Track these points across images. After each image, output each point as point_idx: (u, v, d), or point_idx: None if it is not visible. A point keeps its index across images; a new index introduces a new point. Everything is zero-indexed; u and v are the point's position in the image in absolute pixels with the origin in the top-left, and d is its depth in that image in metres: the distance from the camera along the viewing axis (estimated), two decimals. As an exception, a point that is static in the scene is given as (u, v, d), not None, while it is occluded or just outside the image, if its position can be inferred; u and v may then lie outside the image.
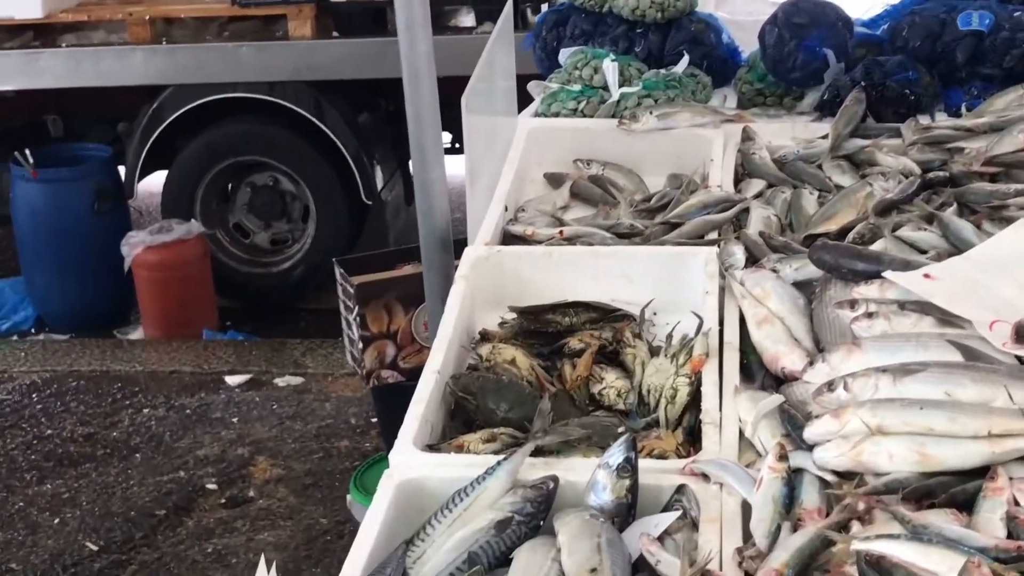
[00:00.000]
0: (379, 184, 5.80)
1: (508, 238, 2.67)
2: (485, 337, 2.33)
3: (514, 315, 2.35)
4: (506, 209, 2.73)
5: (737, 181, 2.86)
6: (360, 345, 3.81)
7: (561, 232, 2.63)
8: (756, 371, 2.09)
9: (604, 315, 2.33)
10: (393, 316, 3.82)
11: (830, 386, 1.86)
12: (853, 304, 2.07)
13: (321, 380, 5.28)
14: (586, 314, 2.32)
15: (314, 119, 5.60)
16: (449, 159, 3.17)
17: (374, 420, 4.81)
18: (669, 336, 2.20)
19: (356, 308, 3.79)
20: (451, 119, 2.75)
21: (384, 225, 5.91)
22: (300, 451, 4.70)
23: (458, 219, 2.84)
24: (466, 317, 2.32)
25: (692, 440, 1.94)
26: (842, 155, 2.84)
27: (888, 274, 2.08)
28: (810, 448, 1.79)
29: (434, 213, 2.88)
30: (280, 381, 5.28)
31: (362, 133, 5.70)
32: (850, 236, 2.40)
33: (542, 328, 2.31)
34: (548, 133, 3.09)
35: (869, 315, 2.02)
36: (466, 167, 2.59)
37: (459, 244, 2.73)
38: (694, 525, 1.67)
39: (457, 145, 6.45)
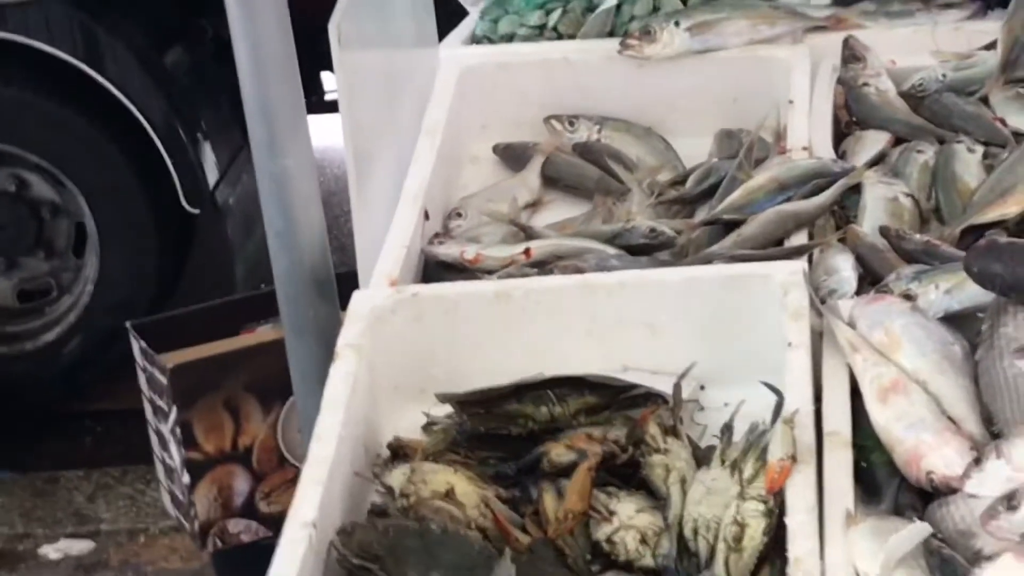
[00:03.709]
0: (212, 177, 5.81)
1: (432, 268, 2.71)
2: (399, 453, 2.35)
3: (450, 410, 2.38)
4: (427, 216, 2.77)
5: (839, 137, 2.90)
6: (186, 478, 3.82)
7: (527, 251, 2.67)
8: (883, 481, 2.13)
9: (611, 398, 2.36)
10: (243, 421, 3.84)
11: (1012, 501, 1.90)
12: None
13: (127, 543, 5.25)
14: (578, 399, 2.36)
15: (84, 66, 5.61)
16: (328, 121, 3.15)
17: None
18: (726, 428, 2.22)
19: (174, 412, 3.80)
20: (326, 52, 2.77)
21: (225, 251, 5.91)
22: None
23: (345, 236, 2.84)
24: (361, 418, 2.35)
25: (776, 614, 1.98)
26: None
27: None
28: (984, 616, 1.83)
29: (296, 232, 2.85)
30: (51, 550, 5.25)
31: (175, 86, 5.71)
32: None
33: (500, 429, 2.34)
34: (495, 73, 3.14)
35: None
36: (346, 146, 2.62)
37: (353, 281, 2.75)
38: None
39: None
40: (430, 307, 2.50)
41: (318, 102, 6.02)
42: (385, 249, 2.65)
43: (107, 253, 5.86)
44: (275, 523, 3.83)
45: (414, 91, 3.02)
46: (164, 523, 5.25)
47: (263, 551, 3.78)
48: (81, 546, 5.25)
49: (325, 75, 6.03)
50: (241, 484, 3.84)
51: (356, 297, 2.53)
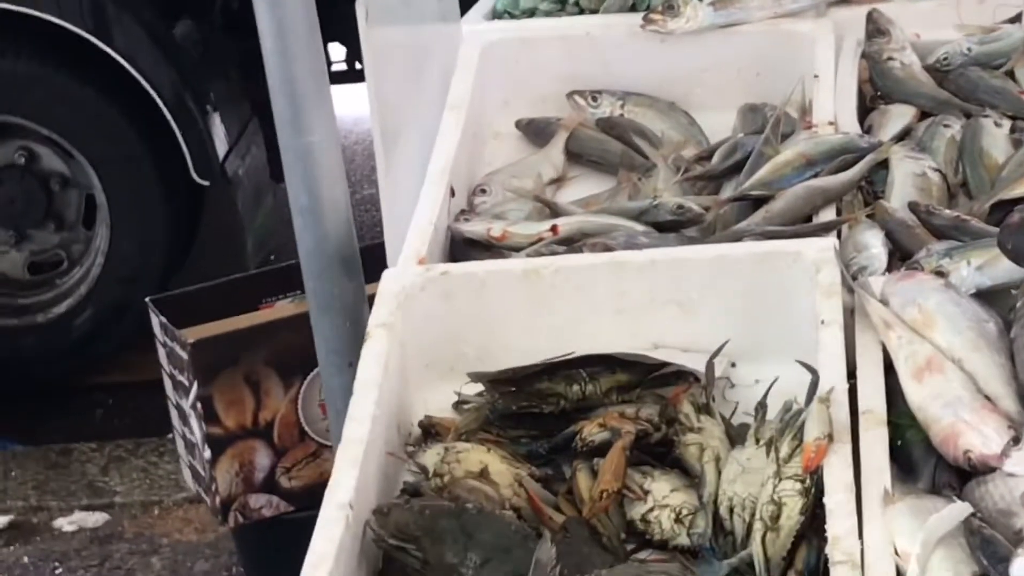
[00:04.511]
0: (221, 149, 5.80)
1: (459, 246, 2.70)
2: (430, 432, 2.36)
3: (481, 388, 2.38)
4: (452, 193, 2.76)
5: (864, 112, 2.90)
6: (207, 453, 3.82)
7: (554, 228, 2.67)
8: (919, 460, 2.13)
9: (642, 376, 2.37)
10: (263, 396, 3.83)
11: (1053, 480, 1.91)
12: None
13: (140, 515, 5.27)
14: (610, 376, 2.36)
15: (93, 38, 5.60)
16: (346, 90, 3.11)
17: (242, 586, 4.80)
18: (760, 406, 2.24)
19: (195, 387, 3.80)
20: (344, 25, 2.74)
21: (235, 222, 5.91)
22: (109, 649, 4.72)
23: (368, 198, 2.81)
24: (393, 397, 2.35)
25: (814, 594, 1.98)
26: (1051, 50, 2.93)
27: None
28: (1026, 596, 1.84)
29: (321, 208, 2.85)
30: (65, 523, 5.26)
31: (184, 58, 5.71)
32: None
33: (532, 407, 2.35)
34: (517, 48, 3.14)
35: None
36: (373, 123, 2.61)
37: (372, 255, 2.75)
38: None
39: (359, 65, 6.45)
40: (459, 285, 2.50)
41: (325, 73, 6.00)
42: (412, 227, 2.65)
43: (117, 225, 5.86)
44: (296, 498, 3.87)
45: (437, 67, 3.02)
46: (178, 495, 5.26)
47: (285, 526, 3.85)
48: (95, 518, 5.26)
49: (331, 46, 6.02)
50: (262, 459, 3.85)
51: (386, 276, 2.53)
